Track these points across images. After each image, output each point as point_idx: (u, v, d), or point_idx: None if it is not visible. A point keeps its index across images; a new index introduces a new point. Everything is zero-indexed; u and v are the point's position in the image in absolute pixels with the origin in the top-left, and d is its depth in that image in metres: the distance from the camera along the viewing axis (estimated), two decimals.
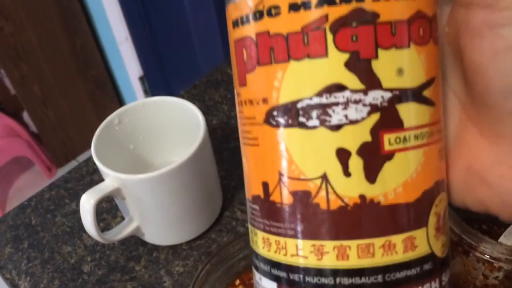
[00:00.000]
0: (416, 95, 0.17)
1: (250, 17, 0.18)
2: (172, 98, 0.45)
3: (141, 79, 1.59)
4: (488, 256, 0.30)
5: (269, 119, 0.18)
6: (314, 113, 0.17)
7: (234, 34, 0.19)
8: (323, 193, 0.17)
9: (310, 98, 0.17)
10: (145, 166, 0.48)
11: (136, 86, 1.63)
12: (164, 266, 0.43)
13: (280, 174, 0.18)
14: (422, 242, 0.18)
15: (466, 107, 0.19)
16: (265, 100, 0.18)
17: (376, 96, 0.16)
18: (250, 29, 0.18)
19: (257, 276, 0.20)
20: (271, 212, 0.19)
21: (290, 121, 0.17)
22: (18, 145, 1.55)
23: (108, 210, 0.49)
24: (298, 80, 0.17)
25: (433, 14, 0.18)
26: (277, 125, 0.18)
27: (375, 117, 0.17)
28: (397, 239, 0.17)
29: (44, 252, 0.46)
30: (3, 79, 1.57)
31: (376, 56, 0.16)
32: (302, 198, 0.17)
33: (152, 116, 0.45)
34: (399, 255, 0.17)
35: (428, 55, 0.18)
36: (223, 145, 0.53)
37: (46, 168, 1.64)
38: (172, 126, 0.46)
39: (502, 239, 0.33)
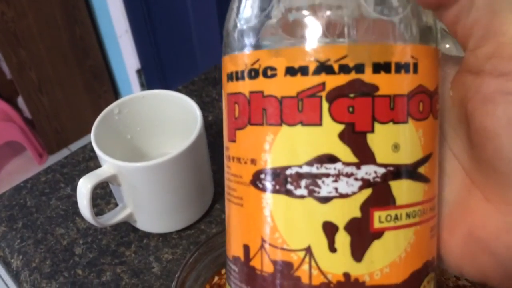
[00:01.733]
0: (411, 172, 0.17)
1: (245, 74, 0.17)
2: (172, 92, 0.46)
3: (139, 72, 1.60)
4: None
5: (256, 181, 0.17)
6: (303, 182, 0.16)
7: (228, 87, 0.18)
8: (305, 266, 0.16)
9: (300, 167, 0.16)
10: (140, 156, 0.49)
11: (133, 79, 1.64)
12: (154, 252, 0.45)
13: (263, 240, 0.17)
14: None
15: (471, 171, 0.18)
16: (253, 161, 0.17)
17: (369, 171, 0.16)
18: (244, 86, 0.17)
19: None
20: (250, 278, 0.18)
21: (277, 187, 0.16)
22: (11, 130, 1.55)
23: (102, 196, 0.50)
24: (289, 146, 0.16)
25: (434, 88, 0.17)
26: (264, 189, 0.17)
27: (367, 192, 0.16)
28: None
29: (37, 233, 0.47)
30: (0, 63, 1.58)
31: (372, 130, 0.16)
32: (284, 269, 0.17)
33: (151, 108, 0.47)
34: None
35: (426, 131, 0.17)
36: (217, 141, 0.55)
37: (38, 154, 1.65)
38: (170, 119, 0.48)
39: None
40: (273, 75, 0.16)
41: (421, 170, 0.17)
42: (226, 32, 0.19)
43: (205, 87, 0.63)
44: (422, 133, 0.17)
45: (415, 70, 0.16)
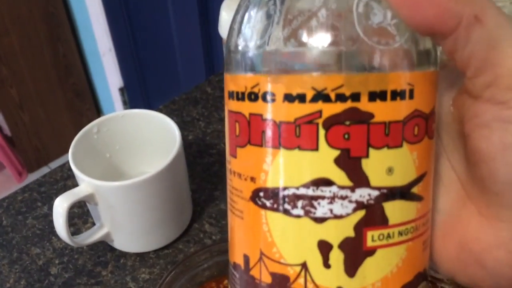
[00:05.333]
0: (404, 193, 0.17)
1: (245, 96, 0.18)
2: (151, 112, 0.47)
3: (121, 90, 1.60)
4: (430, 277, 0.32)
5: (255, 198, 0.18)
6: (299, 203, 0.17)
7: (229, 104, 0.19)
8: (301, 280, 0.17)
9: (297, 188, 0.17)
10: (119, 175, 0.49)
11: (115, 96, 1.64)
12: (131, 272, 0.44)
13: (261, 253, 0.18)
14: None
15: (466, 185, 0.19)
16: (253, 179, 0.18)
17: (363, 194, 0.16)
18: (244, 107, 0.18)
19: None
20: (249, 286, 0.19)
21: (275, 206, 0.17)
22: None
23: (80, 216, 0.50)
24: (287, 169, 0.17)
25: (430, 109, 0.18)
26: (262, 206, 0.18)
27: (360, 214, 0.17)
28: None
29: (12, 253, 0.47)
30: None
31: (367, 155, 0.16)
32: (281, 281, 0.18)
33: (130, 128, 0.47)
34: None
35: (421, 152, 0.17)
36: (197, 160, 0.55)
37: (17, 172, 1.63)
38: (149, 139, 0.48)
39: None
40: (272, 100, 0.17)
41: (415, 190, 0.18)
42: (227, 50, 0.19)
43: (185, 106, 0.64)
44: (416, 155, 0.17)
45: (411, 96, 0.17)
